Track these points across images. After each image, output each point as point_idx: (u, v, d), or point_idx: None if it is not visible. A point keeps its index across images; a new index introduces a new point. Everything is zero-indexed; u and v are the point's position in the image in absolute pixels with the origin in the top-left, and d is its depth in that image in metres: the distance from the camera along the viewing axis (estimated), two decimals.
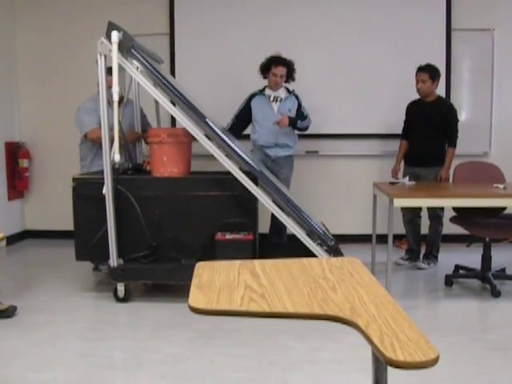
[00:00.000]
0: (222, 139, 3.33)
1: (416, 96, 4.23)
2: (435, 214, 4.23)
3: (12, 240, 5.13)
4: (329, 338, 2.79)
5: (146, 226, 3.42)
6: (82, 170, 4.03)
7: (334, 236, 3.53)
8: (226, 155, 3.34)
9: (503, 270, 3.88)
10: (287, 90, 4.28)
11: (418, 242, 4.41)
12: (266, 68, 4.19)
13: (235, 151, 3.33)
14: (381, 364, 1.23)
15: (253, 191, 3.31)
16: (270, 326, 2.95)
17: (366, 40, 4.95)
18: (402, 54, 4.92)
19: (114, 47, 3.13)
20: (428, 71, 4.04)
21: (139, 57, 3.31)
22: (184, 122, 3.30)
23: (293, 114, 4.20)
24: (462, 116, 4.93)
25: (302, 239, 3.35)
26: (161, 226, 3.43)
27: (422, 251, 4.40)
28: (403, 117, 4.37)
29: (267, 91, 4.23)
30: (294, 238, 3.43)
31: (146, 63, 3.32)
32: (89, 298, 3.54)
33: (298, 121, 4.18)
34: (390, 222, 3.35)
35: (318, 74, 4.93)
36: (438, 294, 3.65)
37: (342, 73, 5.00)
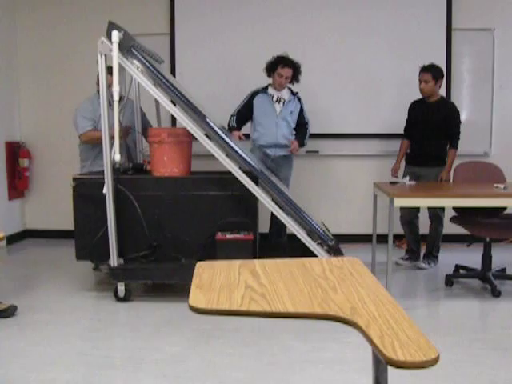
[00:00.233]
0: (223, 139, 3.33)
1: (417, 96, 4.22)
2: (435, 214, 4.23)
3: (12, 240, 5.14)
4: (329, 337, 2.79)
5: (146, 225, 3.42)
6: (82, 170, 4.03)
7: (335, 236, 3.53)
8: (227, 155, 3.34)
9: (503, 269, 3.88)
10: (291, 91, 4.25)
11: (417, 242, 4.41)
12: (272, 67, 4.14)
13: (235, 151, 3.34)
14: (381, 364, 1.23)
15: (253, 191, 3.32)
16: (270, 326, 2.96)
17: (366, 40, 4.95)
18: (402, 54, 4.92)
19: (115, 47, 3.13)
20: (431, 71, 4.02)
21: (139, 56, 3.31)
22: (184, 121, 3.30)
23: (294, 117, 4.20)
24: (463, 116, 4.93)
25: (302, 239, 3.35)
26: (161, 226, 3.44)
27: (422, 251, 4.41)
28: (404, 117, 4.37)
29: (270, 90, 4.19)
30: (294, 237, 3.43)
31: (147, 63, 3.32)
32: (89, 297, 3.54)
33: (304, 140, 4.24)
34: (391, 222, 3.35)
35: (319, 73, 4.94)
36: (438, 293, 3.65)
37: (342, 73, 5.00)
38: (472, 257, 4.04)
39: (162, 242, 3.44)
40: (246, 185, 3.30)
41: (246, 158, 3.36)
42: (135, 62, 3.31)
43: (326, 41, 4.98)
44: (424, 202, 3.59)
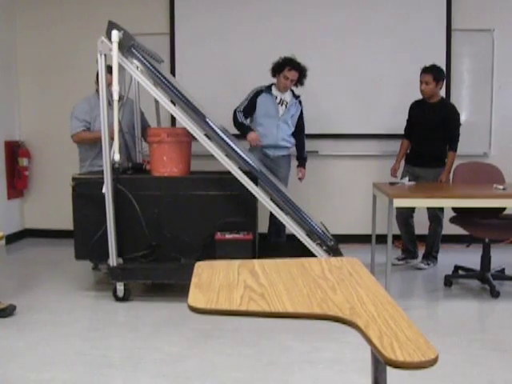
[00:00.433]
0: (222, 139, 3.33)
1: (417, 96, 4.21)
2: (435, 215, 4.23)
3: (11, 239, 5.14)
4: (328, 337, 2.79)
5: (145, 225, 3.42)
6: (81, 170, 4.03)
7: (334, 236, 3.53)
8: (226, 155, 3.34)
9: (502, 270, 3.88)
10: (293, 93, 4.23)
11: (412, 242, 4.40)
12: (278, 68, 4.08)
13: (235, 151, 3.34)
14: (380, 364, 1.23)
15: (252, 191, 3.32)
16: (269, 326, 2.96)
17: (365, 40, 4.95)
18: (402, 54, 4.93)
19: (115, 46, 3.13)
20: (432, 73, 3.99)
21: (139, 56, 3.31)
22: (184, 121, 3.30)
23: (295, 121, 4.21)
24: (462, 116, 4.93)
25: (301, 239, 3.35)
26: (160, 226, 3.43)
27: (422, 251, 4.40)
28: (404, 117, 4.37)
29: (274, 91, 4.15)
30: (293, 237, 3.43)
31: (146, 62, 3.32)
32: (88, 297, 3.54)
33: (304, 152, 4.35)
34: (390, 223, 3.35)
35: (319, 74, 4.93)
36: (437, 294, 3.65)
37: (342, 73, 5.00)
38: (471, 257, 4.04)
39: (161, 242, 3.44)
40: (246, 185, 3.30)
41: (246, 157, 3.36)
42: (135, 61, 3.31)
43: (326, 40, 4.97)
44: (423, 203, 3.59)
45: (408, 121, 4.35)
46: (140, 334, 2.88)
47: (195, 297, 1.27)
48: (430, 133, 4.12)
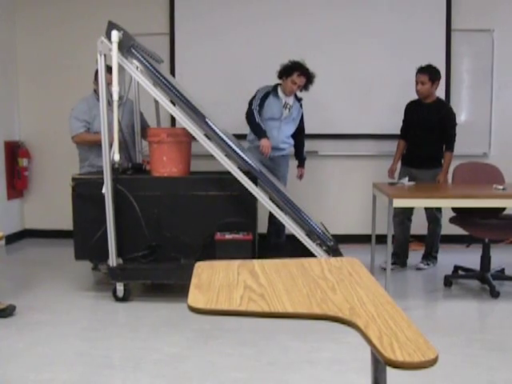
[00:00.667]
0: (222, 139, 3.33)
1: (416, 96, 4.21)
2: (433, 216, 4.20)
3: (11, 239, 5.13)
4: (328, 338, 2.79)
5: (145, 225, 3.42)
6: (81, 170, 4.03)
7: (334, 236, 3.53)
8: (226, 155, 3.34)
9: (502, 270, 3.88)
10: (295, 96, 4.21)
11: (404, 244, 4.30)
12: (287, 72, 4.03)
13: (235, 151, 3.34)
14: (380, 364, 1.23)
15: (252, 191, 3.31)
16: (269, 326, 2.95)
17: (365, 40, 4.95)
18: (402, 54, 4.92)
19: (114, 46, 3.13)
20: (428, 73, 3.97)
21: (139, 56, 3.31)
22: (184, 121, 3.30)
23: (296, 123, 4.21)
24: (462, 117, 4.94)
25: (301, 239, 3.35)
26: (160, 226, 3.43)
27: (422, 252, 4.39)
28: (403, 117, 4.36)
29: (280, 94, 4.10)
30: (293, 237, 3.43)
31: (146, 63, 3.32)
32: (88, 297, 3.54)
33: (304, 153, 4.38)
34: (390, 223, 3.35)
35: (318, 73, 4.91)
36: (437, 294, 3.65)
37: (341, 73, 5.00)
38: (471, 257, 4.04)
39: (161, 242, 3.44)
40: (245, 185, 3.30)
41: (245, 158, 3.36)
42: (135, 61, 3.31)
43: (325, 40, 4.97)
44: (423, 203, 3.59)
45: (404, 121, 4.33)
46: (140, 334, 2.88)
47: (195, 297, 1.27)
48: (426, 133, 4.09)
